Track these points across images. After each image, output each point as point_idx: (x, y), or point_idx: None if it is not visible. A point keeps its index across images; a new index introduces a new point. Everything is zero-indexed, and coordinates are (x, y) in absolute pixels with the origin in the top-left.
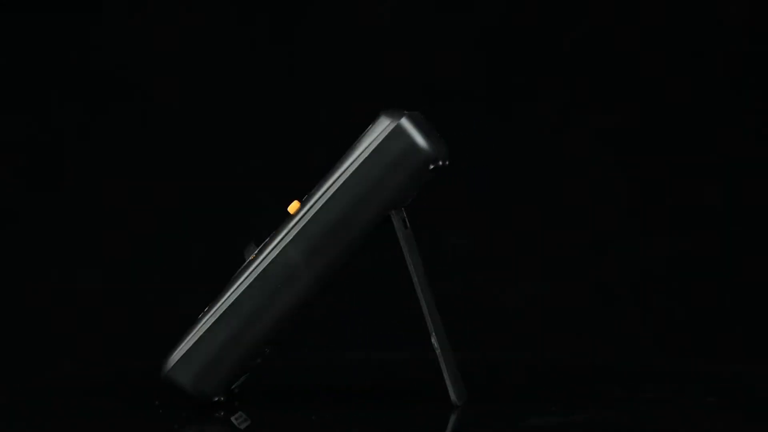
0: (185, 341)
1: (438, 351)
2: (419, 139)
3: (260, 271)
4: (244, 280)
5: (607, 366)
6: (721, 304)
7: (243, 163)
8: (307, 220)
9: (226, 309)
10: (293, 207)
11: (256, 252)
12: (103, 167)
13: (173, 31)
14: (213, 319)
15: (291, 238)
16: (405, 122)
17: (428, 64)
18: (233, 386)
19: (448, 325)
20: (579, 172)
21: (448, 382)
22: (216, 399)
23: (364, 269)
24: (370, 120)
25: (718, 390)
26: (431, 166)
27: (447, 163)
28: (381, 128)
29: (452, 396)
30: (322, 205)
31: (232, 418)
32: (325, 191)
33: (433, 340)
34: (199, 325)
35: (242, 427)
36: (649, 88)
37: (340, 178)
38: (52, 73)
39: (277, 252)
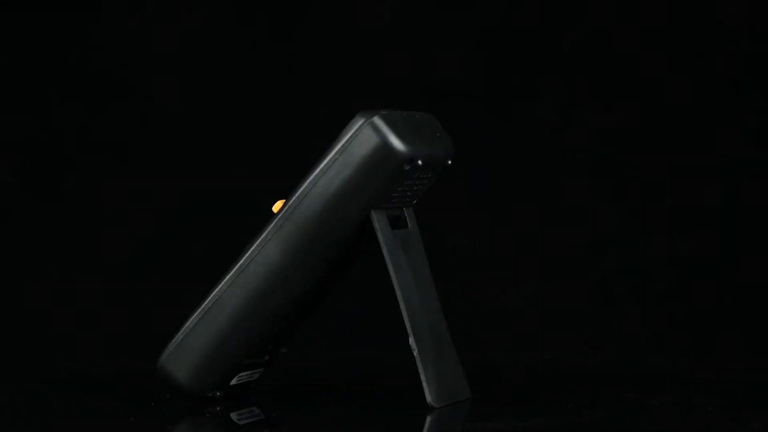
0: (179, 333)
1: (416, 352)
2: (390, 139)
3: (243, 269)
4: (230, 276)
5: (607, 366)
6: (721, 304)
7: (243, 163)
8: (284, 219)
9: (212, 305)
10: (277, 206)
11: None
12: (103, 167)
13: (173, 31)
14: (201, 314)
15: (270, 236)
16: (377, 121)
17: (428, 64)
18: (240, 382)
19: (448, 325)
20: (579, 172)
21: (424, 384)
22: (211, 395)
23: (364, 269)
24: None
25: (719, 390)
26: (407, 167)
27: (449, 162)
28: (354, 127)
29: (428, 397)
30: (298, 205)
31: (233, 414)
32: (301, 191)
33: (411, 341)
34: (190, 319)
35: (242, 423)
36: (649, 88)
37: (314, 178)
38: (52, 73)
39: (258, 251)
